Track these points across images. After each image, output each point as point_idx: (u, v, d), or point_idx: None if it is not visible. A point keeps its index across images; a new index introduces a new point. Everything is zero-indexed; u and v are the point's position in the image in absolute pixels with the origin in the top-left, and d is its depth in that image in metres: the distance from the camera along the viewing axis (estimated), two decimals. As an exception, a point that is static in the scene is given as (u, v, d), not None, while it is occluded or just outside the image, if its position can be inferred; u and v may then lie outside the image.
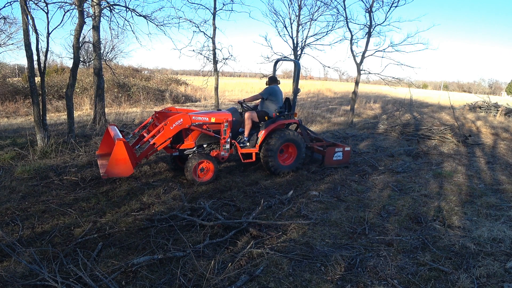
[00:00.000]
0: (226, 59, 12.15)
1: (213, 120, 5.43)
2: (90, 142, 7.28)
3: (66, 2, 7.01)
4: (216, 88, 12.27)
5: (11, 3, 6.69)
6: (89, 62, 23.99)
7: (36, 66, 6.76)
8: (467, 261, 3.30)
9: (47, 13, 6.55)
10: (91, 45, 13.41)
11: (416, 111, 15.18)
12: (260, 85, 26.56)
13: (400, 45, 11.80)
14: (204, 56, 11.99)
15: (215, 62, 11.92)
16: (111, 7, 8.19)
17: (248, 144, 5.86)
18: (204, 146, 5.69)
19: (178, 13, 18.87)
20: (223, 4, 11.85)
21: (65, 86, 9.77)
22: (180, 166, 5.86)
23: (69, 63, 26.57)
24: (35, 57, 6.37)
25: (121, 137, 4.70)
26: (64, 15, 7.00)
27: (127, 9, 8.27)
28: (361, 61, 11.85)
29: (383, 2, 11.19)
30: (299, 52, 13.67)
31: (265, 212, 4.26)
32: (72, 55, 8.55)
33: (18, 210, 4.04)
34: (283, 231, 3.78)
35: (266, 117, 5.98)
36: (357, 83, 12.35)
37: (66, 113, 7.83)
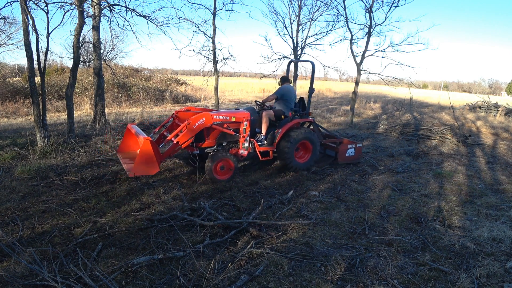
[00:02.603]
0: (226, 59, 12.15)
1: (233, 119, 5.55)
2: (90, 142, 7.28)
3: (66, 2, 7.01)
4: (216, 88, 12.27)
5: (11, 3, 6.69)
6: (89, 62, 24.00)
7: (36, 66, 6.76)
8: (467, 261, 3.30)
9: (47, 13, 6.55)
10: (91, 45, 13.42)
11: (416, 111, 15.18)
12: (260, 85, 26.58)
13: (400, 45, 11.80)
14: (204, 56, 11.99)
15: (215, 62, 11.91)
16: (111, 7, 8.20)
17: (265, 142, 5.98)
18: (224, 144, 5.81)
19: (178, 13, 18.89)
20: (223, 4, 11.86)
21: (65, 86, 9.78)
22: (201, 164, 5.92)
23: (69, 63, 26.59)
24: (35, 57, 6.38)
25: (146, 136, 4.80)
26: (64, 15, 7.01)
27: (127, 9, 8.27)
28: (361, 61, 11.85)
29: (383, 2, 11.20)
30: (299, 52, 13.67)
31: (265, 212, 4.26)
32: (72, 55, 8.55)
33: (18, 210, 4.04)
34: (283, 231, 3.78)
35: (282, 116, 6.16)
36: (357, 83, 12.35)
37: (66, 113, 7.83)
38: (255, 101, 6.36)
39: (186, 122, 5.13)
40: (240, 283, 2.76)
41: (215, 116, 5.37)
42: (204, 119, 5.23)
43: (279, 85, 6.39)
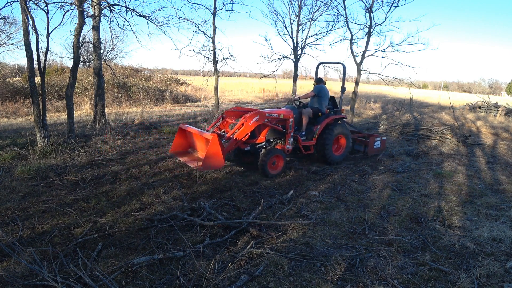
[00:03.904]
0: (226, 59, 12.17)
1: (281, 116, 6.01)
2: (90, 142, 7.28)
3: (66, 2, 7.02)
4: (216, 88, 12.27)
5: (11, 3, 6.70)
6: (89, 62, 24.00)
7: (36, 66, 6.76)
8: (467, 261, 3.30)
9: (47, 13, 6.55)
10: (91, 45, 13.41)
11: (416, 111, 15.18)
12: (260, 85, 26.55)
13: (400, 45, 11.82)
14: (204, 56, 12.01)
15: (215, 62, 11.92)
16: (111, 7, 8.20)
17: (305, 137, 6.45)
18: (271, 140, 6.19)
19: (178, 13, 18.97)
20: (223, 4, 11.89)
21: (65, 86, 9.78)
22: (242, 160, 6.31)
23: (69, 63, 26.59)
24: (35, 57, 6.38)
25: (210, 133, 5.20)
26: (64, 15, 7.01)
27: (127, 9, 8.28)
28: (361, 61, 11.85)
29: (383, 2, 11.21)
30: (299, 52, 13.67)
31: (265, 212, 4.26)
32: (72, 55, 8.55)
33: (18, 210, 4.04)
34: (283, 231, 3.78)
35: (320, 113, 6.68)
36: (357, 83, 12.36)
37: (66, 113, 7.84)
38: (294, 100, 6.87)
39: (242, 120, 5.56)
40: (240, 283, 2.76)
41: (267, 114, 5.80)
42: (258, 116, 5.65)
43: (314, 85, 7.02)
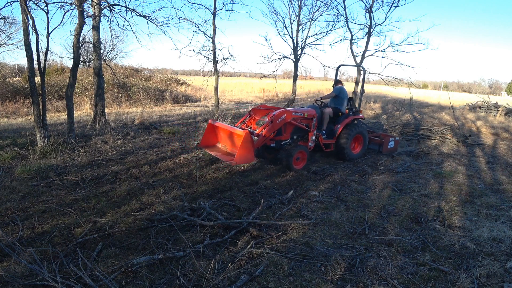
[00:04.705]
0: (226, 59, 12.16)
1: (306, 115, 6.36)
2: (90, 142, 7.28)
3: (66, 2, 7.01)
4: (216, 88, 12.27)
5: (11, 3, 6.69)
6: (89, 62, 24.01)
7: (36, 66, 6.76)
8: (467, 261, 3.30)
9: (47, 13, 6.55)
10: (91, 45, 13.41)
11: (416, 111, 15.19)
12: (260, 85, 26.54)
13: (400, 45, 11.83)
14: (204, 56, 12.00)
15: (215, 62, 11.91)
16: (111, 7, 8.19)
17: (325, 136, 6.82)
18: (294, 138, 6.50)
19: (178, 13, 18.94)
20: (223, 4, 11.88)
21: (65, 86, 9.77)
22: (266, 156, 6.61)
23: (69, 63, 26.57)
24: (35, 57, 6.38)
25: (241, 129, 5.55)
26: (64, 15, 7.00)
27: (127, 9, 8.27)
28: (361, 61, 11.86)
29: (383, 2, 11.22)
30: (299, 52, 13.66)
31: (265, 212, 4.26)
32: (72, 55, 8.55)
33: (18, 210, 4.04)
34: (283, 231, 3.78)
35: (340, 113, 7.04)
36: (357, 83, 12.36)
37: (66, 113, 7.83)
38: (316, 100, 7.24)
39: (271, 117, 5.84)
40: (240, 283, 2.76)
41: (293, 113, 6.15)
42: (285, 115, 5.98)
43: (333, 86, 7.41)
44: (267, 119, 6.03)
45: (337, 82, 7.43)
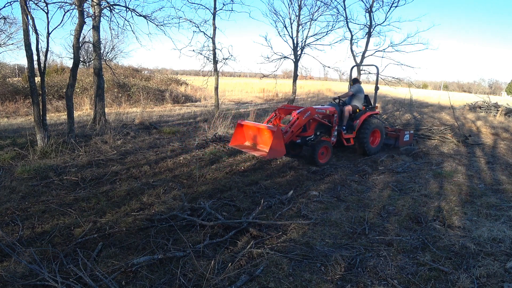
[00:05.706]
0: (226, 59, 12.17)
1: (328, 112, 6.76)
2: (90, 142, 7.28)
3: (66, 2, 7.02)
4: (216, 88, 12.27)
5: (11, 3, 6.70)
6: (89, 62, 24.02)
7: (36, 66, 6.76)
8: (467, 261, 3.30)
9: (47, 13, 6.55)
10: (91, 45, 13.41)
11: (416, 111, 15.18)
12: (260, 85, 26.54)
13: (400, 45, 11.84)
14: (204, 56, 12.01)
15: (215, 62, 11.92)
16: (111, 7, 8.20)
17: (346, 131, 7.19)
18: (318, 134, 6.87)
19: (178, 13, 18.97)
20: (223, 4, 11.89)
21: (65, 86, 9.77)
22: (290, 152, 6.84)
23: (69, 63, 26.58)
24: (35, 57, 6.38)
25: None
26: (64, 15, 7.01)
27: (127, 9, 8.28)
28: (361, 61, 11.86)
29: (383, 2, 11.23)
30: (299, 52, 13.66)
31: (265, 212, 4.26)
32: (72, 55, 8.55)
33: (18, 210, 4.04)
34: (283, 231, 3.78)
35: (358, 110, 7.43)
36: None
37: (66, 113, 7.83)
38: (334, 99, 7.65)
39: (297, 114, 6.22)
40: (240, 283, 2.76)
41: (317, 110, 6.55)
42: (310, 112, 6.37)
43: (351, 84, 7.86)
44: (291, 117, 6.42)
45: (354, 81, 7.76)
